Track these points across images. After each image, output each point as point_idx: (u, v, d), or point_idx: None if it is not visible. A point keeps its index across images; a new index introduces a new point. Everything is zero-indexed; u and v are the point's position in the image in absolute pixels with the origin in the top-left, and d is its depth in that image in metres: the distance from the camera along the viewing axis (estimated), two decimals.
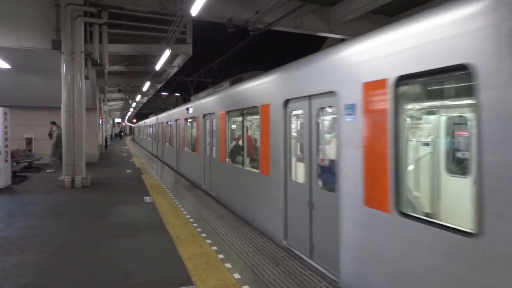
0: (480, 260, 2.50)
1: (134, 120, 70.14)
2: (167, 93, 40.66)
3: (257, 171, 6.55)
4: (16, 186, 10.67)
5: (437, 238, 2.84)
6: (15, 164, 12.55)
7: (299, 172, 5.36)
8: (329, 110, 4.68)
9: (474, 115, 2.60)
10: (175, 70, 18.39)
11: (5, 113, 10.36)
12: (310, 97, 4.82)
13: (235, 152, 8.53)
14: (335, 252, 4.16)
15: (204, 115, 10.66)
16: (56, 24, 10.67)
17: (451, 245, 2.71)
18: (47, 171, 13.96)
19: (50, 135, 14.78)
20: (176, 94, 44.65)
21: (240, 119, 8.09)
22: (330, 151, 4.68)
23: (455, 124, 4.66)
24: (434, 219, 3.05)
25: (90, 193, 9.81)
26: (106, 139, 31.39)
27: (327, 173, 4.59)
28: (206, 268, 4.52)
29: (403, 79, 3.24)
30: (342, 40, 11.66)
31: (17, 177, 12.01)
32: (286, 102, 5.42)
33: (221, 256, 4.95)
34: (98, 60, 11.66)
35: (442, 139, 4.72)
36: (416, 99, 3.82)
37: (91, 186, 10.86)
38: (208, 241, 5.61)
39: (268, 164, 5.92)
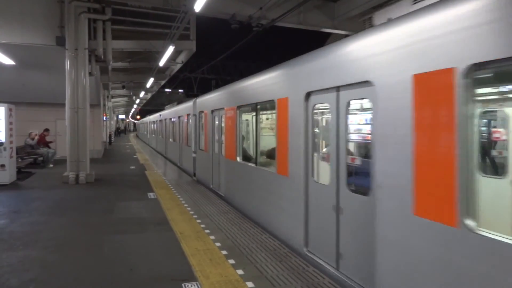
0: None
1: (138, 117, 70.36)
2: (170, 90, 40.74)
3: None
4: (20, 182, 10.74)
5: None
6: (20, 160, 12.63)
7: None
8: None
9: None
10: (178, 66, 18.40)
11: (10, 110, 10.42)
12: None
13: None
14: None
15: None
16: (60, 20, 10.71)
17: None
18: (51, 166, 14.52)
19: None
20: (180, 90, 44.66)
21: None
22: None
23: None
24: None
25: (94, 189, 9.86)
26: (110, 136, 31.53)
27: None
28: (210, 264, 4.53)
29: None
30: (346, 36, 11.58)
31: (22, 173, 12.08)
32: None
33: (224, 252, 4.96)
34: (102, 57, 11.69)
35: None
36: None
37: (95, 182, 10.92)
38: (212, 237, 5.62)
39: None
